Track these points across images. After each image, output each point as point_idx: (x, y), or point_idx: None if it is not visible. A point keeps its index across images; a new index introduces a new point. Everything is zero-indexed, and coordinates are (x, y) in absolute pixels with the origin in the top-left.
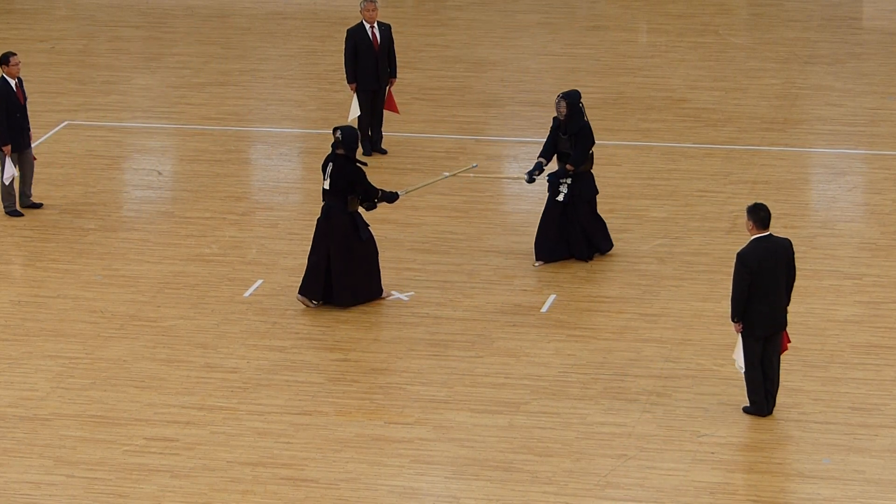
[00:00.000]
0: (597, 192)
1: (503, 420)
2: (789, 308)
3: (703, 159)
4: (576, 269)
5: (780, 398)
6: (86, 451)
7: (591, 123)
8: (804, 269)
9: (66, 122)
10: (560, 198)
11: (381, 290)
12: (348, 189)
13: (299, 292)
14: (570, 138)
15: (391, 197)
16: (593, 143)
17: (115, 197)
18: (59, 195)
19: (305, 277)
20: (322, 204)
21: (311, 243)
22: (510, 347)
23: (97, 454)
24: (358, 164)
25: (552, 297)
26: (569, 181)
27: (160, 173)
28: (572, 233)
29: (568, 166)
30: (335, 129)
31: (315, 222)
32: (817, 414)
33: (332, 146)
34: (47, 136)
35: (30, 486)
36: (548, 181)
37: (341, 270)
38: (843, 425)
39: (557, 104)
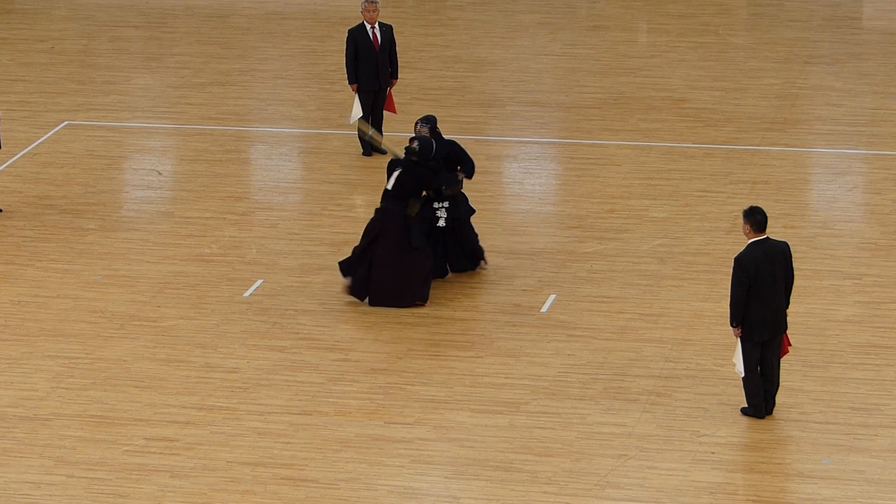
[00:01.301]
0: (473, 211)
1: (503, 420)
2: (789, 309)
3: (703, 159)
4: (576, 269)
5: (780, 398)
6: (86, 451)
7: (591, 123)
8: (804, 269)
9: (66, 122)
10: (441, 223)
11: (425, 299)
12: (414, 191)
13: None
14: (443, 160)
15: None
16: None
17: (115, 197)
18: (59, 195)
19: (351, 262)
20: (380, 205)
21: (364, 237)
22: (510, 347)
23: (97, 454)
24: (430, 165)
25: (552, 297)
26: (446, 205)
27: (160, 173)
28: (455, 251)
29: (461, 176)
30: (413, 139)
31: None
32: (817, 414)
33: (406, 152)
34: (47, 136)
35: (30, 486)
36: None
37: (386, 273)
38: (843, 425)
39: (419, 129)
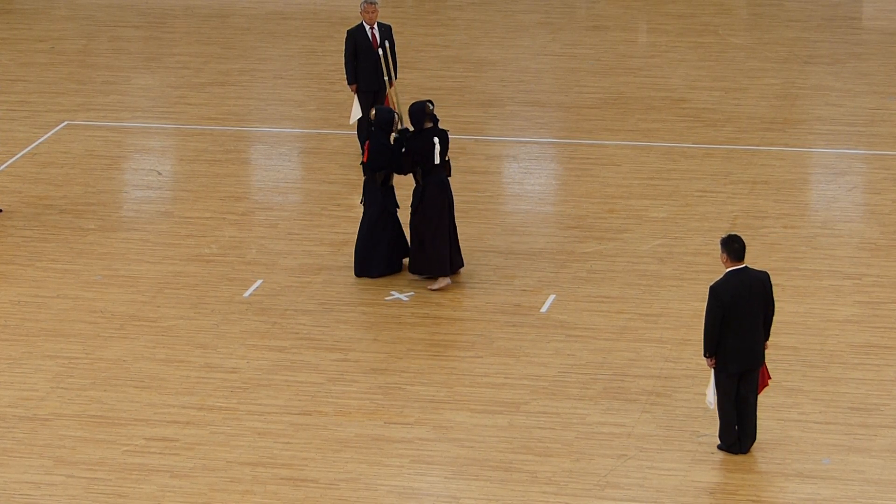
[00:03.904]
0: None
1: (503, 420)
2: (791, 309)
3: (703, 159)
4: (576, 269)
5: (780, 398)
6: (86, 451)
7: (591, 123)
8: (804, 269)
9: (66, 122)
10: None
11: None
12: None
13: (449, 273)
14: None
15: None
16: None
17: (115, 197)
18: (59, 195)
19: (445, 257)
20: (440, 177)
21: (436, 221)
22: (510, 347)
23: (97, 454)
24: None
25: (552, 297)
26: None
27: (160, 173)
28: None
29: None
30: (431, 101)
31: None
32: (817, 414)
33: (433, 118)
34: (47, 136)
35: (30, 486)
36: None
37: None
38: (843, 425)
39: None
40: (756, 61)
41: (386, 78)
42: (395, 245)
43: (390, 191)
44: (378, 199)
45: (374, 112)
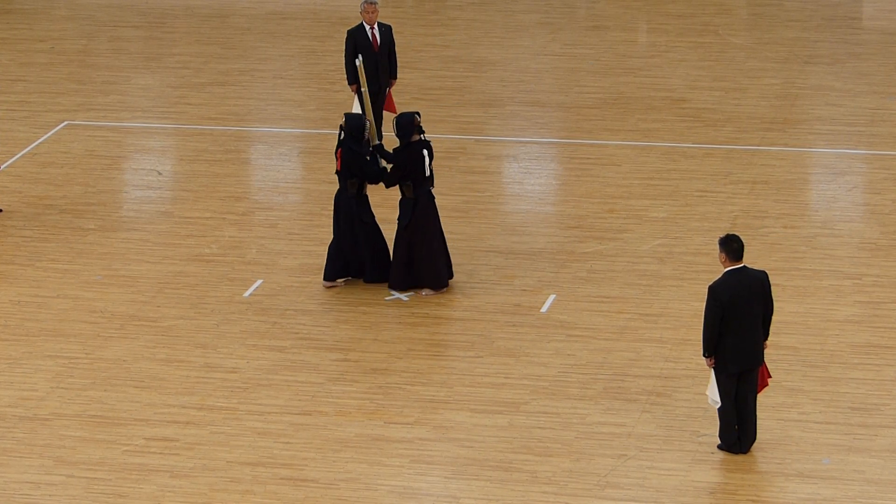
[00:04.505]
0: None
1: (503, 420)
2: (791, 309)
3: (703, 159)
4: (576, 269)
5: (780, 398)
6: (86, 451)
7: (591, 123)
8: (804, 269)
9: (66, 122)
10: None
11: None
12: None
13: (447, 285)
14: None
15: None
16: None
17: (115, 197)
18: (59, 195)
19: (443, 270)
20: (427, 189)
21: (430, 234)
22: (510, 347)
23: (97, 454)
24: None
25: (552, 297)
26: None
27: (160, 173)
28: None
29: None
30: (418, 113)
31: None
32: (817, 414)
33: (420, 130)
34: (47, 136)
35: (30, 486)
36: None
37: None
38: (843, 425)
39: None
40: (756, 61)
41: (364, 88)
42: (378, 255)
43: (364, 201)
44: (352, 210)
45: (344, 118)
